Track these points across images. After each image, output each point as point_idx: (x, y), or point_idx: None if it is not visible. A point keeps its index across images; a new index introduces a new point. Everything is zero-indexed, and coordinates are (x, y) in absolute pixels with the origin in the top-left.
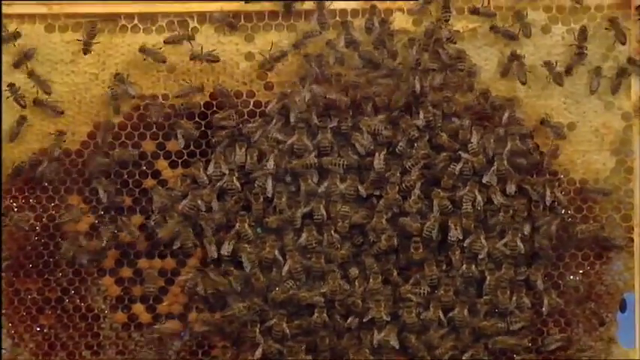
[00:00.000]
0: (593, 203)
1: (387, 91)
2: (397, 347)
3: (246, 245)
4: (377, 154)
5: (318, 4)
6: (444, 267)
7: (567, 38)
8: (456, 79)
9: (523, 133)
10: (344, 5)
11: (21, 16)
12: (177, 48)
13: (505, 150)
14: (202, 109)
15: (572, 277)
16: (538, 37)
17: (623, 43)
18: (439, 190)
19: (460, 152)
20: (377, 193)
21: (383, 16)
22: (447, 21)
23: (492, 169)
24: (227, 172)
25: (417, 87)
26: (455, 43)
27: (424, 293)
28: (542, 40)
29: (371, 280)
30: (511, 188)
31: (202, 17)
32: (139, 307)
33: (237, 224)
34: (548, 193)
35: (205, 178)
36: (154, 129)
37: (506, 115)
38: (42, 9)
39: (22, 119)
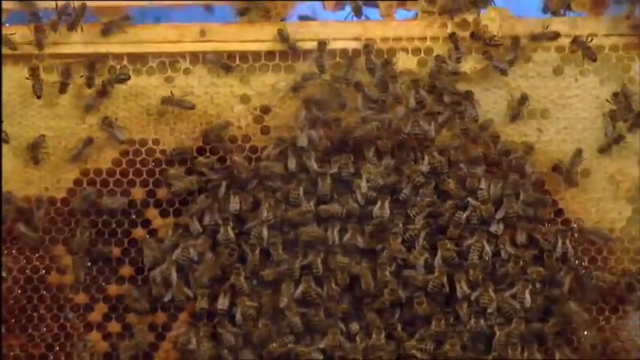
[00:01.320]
0: (609, 254)
1: (390, 135)
2: None
3: (244, 298)
4: (379, 201)
5: (319, 45)
6: (450, 321)
7: (580, 80)
8: (465, 126)
9: (534, 181)
10: (344, 45)
11: (4, 57)
12: (166, 89)
13: (514, 196)
14: (195, 154)
15: (586, 332)
16: (549, 79)
17: None
18: (446, 241)
19: (469, 199)
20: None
21: (386, 56)
22: (458, 62)
23: (501, 215)
24: (221, 221)
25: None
26: (456, 74)
27: (430, 349)
28: (554, 82)
29: (373, 335)
30: (522, 238)
31: (195, 58)
32: None
33: (233, 277)
34: (560, 243)
35: (198, 226)
36: (144, 175)
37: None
38: (26, 49)
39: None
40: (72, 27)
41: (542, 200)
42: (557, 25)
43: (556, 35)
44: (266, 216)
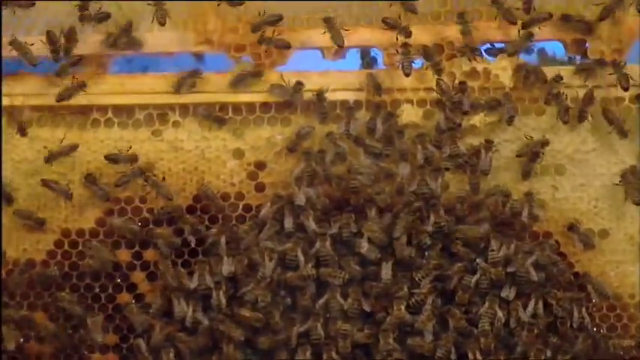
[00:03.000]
0: (629, 321)
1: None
2: None
3: None
4: (383, 263)
5: (318, 96)
6: None
7: (597, 134)
8: (474, 180)
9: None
10: (344, 96)
11: None
12: (157, 144)
13: (527, 258)
14: (185, 213)
15: None
16: (564, 132)
17: None
18: (456, 310)
19: (478, 261)
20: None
21: (390, 109)
22: (465, 114)
23: (512, 277)
24: (212, 285)
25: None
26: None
27: None
28: (570, 136)
29: None
30: (536, 306)
31: (185, 110)
32: None
33: (224, 346)
34: (576, 313)
35: (190, 286)
36: (130, 236)
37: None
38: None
39: None
40: (59, 75)
41: (557, 263)
42: (572, 73)
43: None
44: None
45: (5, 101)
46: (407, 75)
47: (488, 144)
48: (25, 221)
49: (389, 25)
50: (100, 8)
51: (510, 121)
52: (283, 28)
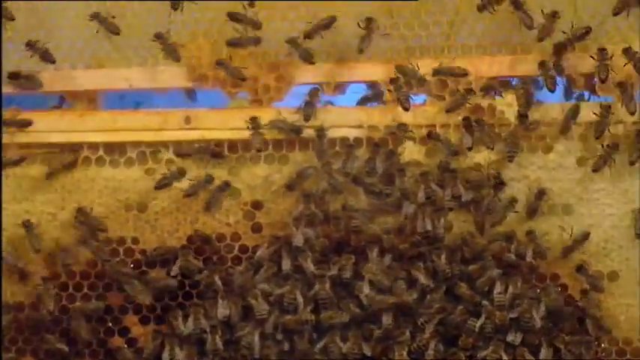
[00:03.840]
0: None
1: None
2: None
3: None
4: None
5: (318, 133)
6: None
7: (607, 172)
8: (480, 219)
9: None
10: (345, 133)
11: None
12: (150, 183)
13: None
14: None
15: None
16: (572, 171)
17: None
18: (461, 354)
19: (483, 303)
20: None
21: (391, 146)
22: (469, 149)
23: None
24: (208, 329)
25: (429, 227)
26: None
27: None
28: (578, 174)
29: None
30: (547, 354)
31: (179, 147)
32: None
33: None
34: (585, 355)
35: (184, 329)
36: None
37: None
38: None
39: None
40: None
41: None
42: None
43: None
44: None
45: None
46: (406, 109)
47: (500, 184)
48: (9, 272)
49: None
50: None
51: (511, 159)
52: (281, 62)
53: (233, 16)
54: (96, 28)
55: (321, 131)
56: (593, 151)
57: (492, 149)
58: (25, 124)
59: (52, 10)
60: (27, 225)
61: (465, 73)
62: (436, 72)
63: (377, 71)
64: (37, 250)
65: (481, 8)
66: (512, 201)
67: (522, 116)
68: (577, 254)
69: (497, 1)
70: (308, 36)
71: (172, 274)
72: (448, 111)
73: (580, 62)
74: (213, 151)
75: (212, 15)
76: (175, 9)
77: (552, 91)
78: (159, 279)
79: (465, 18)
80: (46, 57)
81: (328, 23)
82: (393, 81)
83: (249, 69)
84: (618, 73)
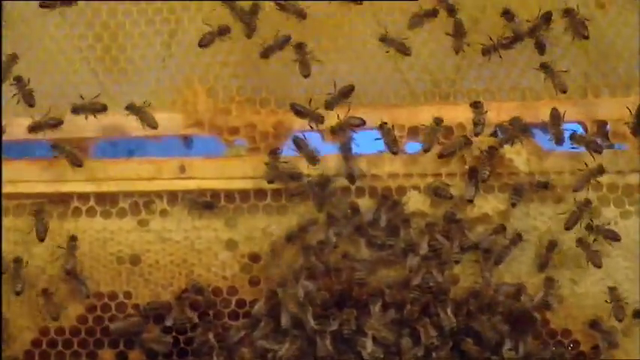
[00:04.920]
0: None
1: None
2: None
3: None
4: None
5: (321, 181)
6: None
7: (621, 223)
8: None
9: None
10: (346, 182)
11: None
12: (143, 235)
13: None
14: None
15: None
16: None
17: None
18: None
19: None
20: None
21: (395, 196)
22: (470, 201)
23: None
24: None
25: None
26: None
27: None
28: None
29: None
30: None
31: (173, 197)
32: None
33: None
34: None
35: None
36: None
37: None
38: None
39: None
40: None
41: None
42: (590, 159)
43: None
44: None
45: None
46: (394, 153)
47: (518, 237)
48: None
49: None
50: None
51: (513, 206)
52: (280, 110)
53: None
54: (89, 72)
55: (325, 180)
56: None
57: None
58: (57, 124)
59: (41, 53)
60: (17, 261)
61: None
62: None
63: (380, 117)
64: (17, 293)
65: (485, 52)
66: (518, 237)
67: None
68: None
69: (503, 46)
70: (328, 107)
71: (167, 324)
72: (441, 157)
73: (593, 109)
74: (207, 203)
75: (208, 60)
76: None
77: (559, 144)
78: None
79: (472, 62)
80: (28, 99)
81: (347, 92)
82: (380, 127)
83: (247, 115)
84: None
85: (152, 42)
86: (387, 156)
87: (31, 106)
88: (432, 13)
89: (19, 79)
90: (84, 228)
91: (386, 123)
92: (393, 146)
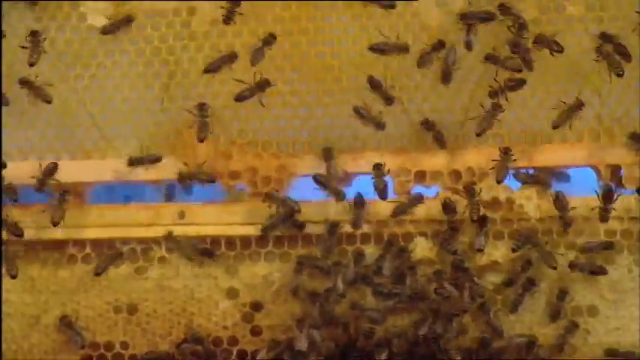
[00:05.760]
0: None
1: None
2: None
3: None
4: None
5: (330, 227)
6: None
7: (635, 270)
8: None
9: None
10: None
11: None
12: (141, 283)
13: None
14: None
15: None
16: None
17: None
18: None
19: None
20: None
21: (402, 243)
22: (480, 250)
23: None
24: None
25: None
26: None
27: None
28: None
29: None
30: None
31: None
32: None
33: None
34: None
35: None
36: None
37: None
38: None
39: None
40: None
41: None
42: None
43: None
44: None
45: None
46: (383, 199)
47: (531, 284)
48: None
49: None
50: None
51: (514, 251)
52: (283, 153)
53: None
54: (85, 114)
55: (333, 226)
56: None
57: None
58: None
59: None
60: None
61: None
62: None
63: (386, 161)
64: None
65: (492, 95)
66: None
67: None
68: None
69: (510, 88)
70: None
71: None
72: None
73: (607, 153)
74: (205, 249)
75: (208, 102)
76: None
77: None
78: None
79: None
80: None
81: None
82: (376, 167)
83: (248, 159)
84: None
85: (150, 83)
86: (393, 201)
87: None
88: (439, 46)
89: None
90: (80, 275)
91: (381, 164)
92: (382, 193)
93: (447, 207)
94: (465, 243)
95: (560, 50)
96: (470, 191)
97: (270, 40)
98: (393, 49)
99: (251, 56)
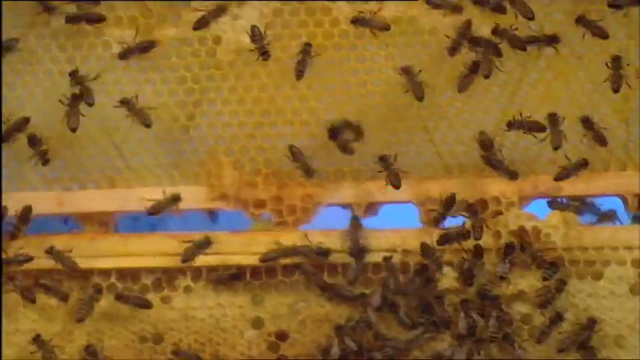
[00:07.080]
0: None
1: None
2: None
3: None
4: None
5: (357, 257)
6: None
7: None
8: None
9: None
10: (378, 258)
11: None
12: (166, 313)
13: None
14: None
15: None
16: (625, 299)
17: None
18: None
19: None
20: None
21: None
22: (502, 278)
23: None
24: None
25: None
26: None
27: None
28: (632, 303)
29: None
30: None
31: (197, 274)
32: None
33: None
34: None
35: None
36: None
37: None
38: None
39: None
40: None
41: None
42: (631, 234)
43: None
44: None
45: None
46: (397, 188)
47: (559, 317)
48: None
49: None
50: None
51: (545, 280)
52: (308, 182)
53: None
54: (109, 143)
55: (361, 253)
56: None
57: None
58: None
59: (59, 125)
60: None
61: None
62: None
63: (407, 190)
64: None
65: (510, 125)
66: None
67: None
68: None
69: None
70: None
71: None
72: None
73: (633, 182)
74: (232, 275)
75: (234, 131)
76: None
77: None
78: None
79: (507, 133)
80: (43, 158)
81: None
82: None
83: (273, 188)
84: None
85: (175, 113)
86: (420, 231)
87: (45, 163)
88: (475, 69)
89: (32, 139)
90: (104, 303)
91: (386, 156)
92: (396, 182)
93: (425, 251)
94: (490, 272)
95: (606, 36)
96: (472, 211)
97: (308, 49)
98: (447, 5)
99: (295, 70)
